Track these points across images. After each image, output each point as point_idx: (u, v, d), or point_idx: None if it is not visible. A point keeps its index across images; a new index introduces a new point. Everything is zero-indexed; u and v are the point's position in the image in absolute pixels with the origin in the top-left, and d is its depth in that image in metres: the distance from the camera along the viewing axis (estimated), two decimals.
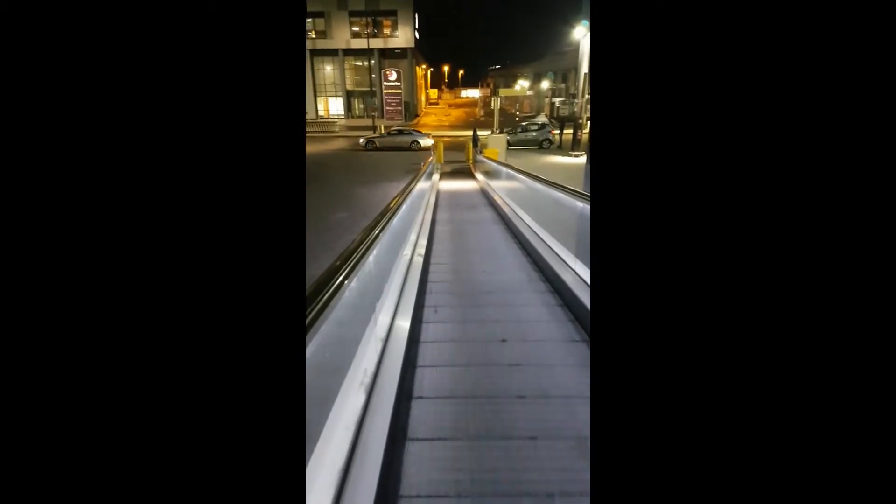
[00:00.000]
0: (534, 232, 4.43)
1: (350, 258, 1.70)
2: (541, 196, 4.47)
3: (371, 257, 2.03)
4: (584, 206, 2.99)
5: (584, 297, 2.66)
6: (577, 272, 3.06)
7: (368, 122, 28.90)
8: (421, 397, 1.96)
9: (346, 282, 1.53)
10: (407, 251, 3.66)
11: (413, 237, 4.20)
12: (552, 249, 3.73)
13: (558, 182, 3.86)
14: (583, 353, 2.34)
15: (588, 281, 2.82)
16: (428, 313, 2.90)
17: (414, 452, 1.62)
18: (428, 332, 2.62)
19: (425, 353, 2.34)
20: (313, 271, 1.34)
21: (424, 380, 2.10)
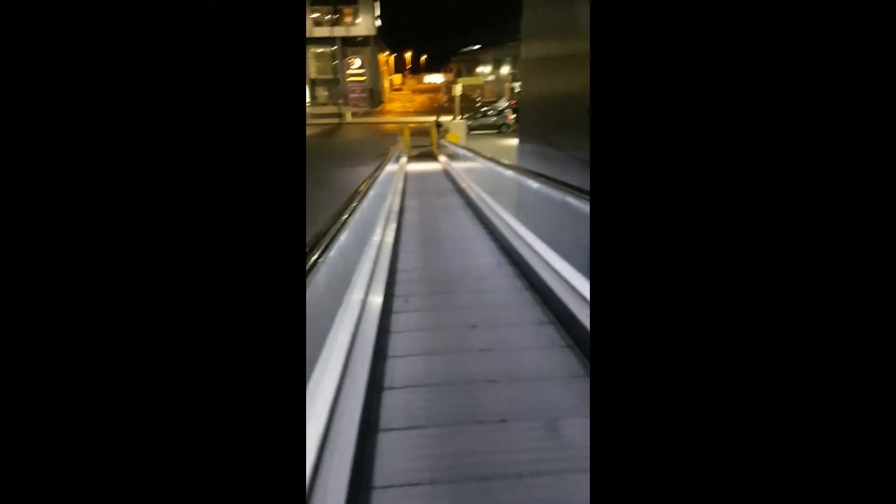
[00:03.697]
0: (477, 193, 6.24)
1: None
2: (488, 171, 6.02)
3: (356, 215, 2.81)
4: (521, 179, 4.11)
5: (509, 236, 4.14)
6: (504, 218, 4.55)
7: (334, 109, 29.64)
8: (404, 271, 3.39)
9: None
10: (384, 210, 5.14)
11: (388, 201, 5.78)
12: (487, 202, 5.30)
13: (505, 162, 5.25)
14: (509, 272, 3.81)
15: (502, 216, 4.28)
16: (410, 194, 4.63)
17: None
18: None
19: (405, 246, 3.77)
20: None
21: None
